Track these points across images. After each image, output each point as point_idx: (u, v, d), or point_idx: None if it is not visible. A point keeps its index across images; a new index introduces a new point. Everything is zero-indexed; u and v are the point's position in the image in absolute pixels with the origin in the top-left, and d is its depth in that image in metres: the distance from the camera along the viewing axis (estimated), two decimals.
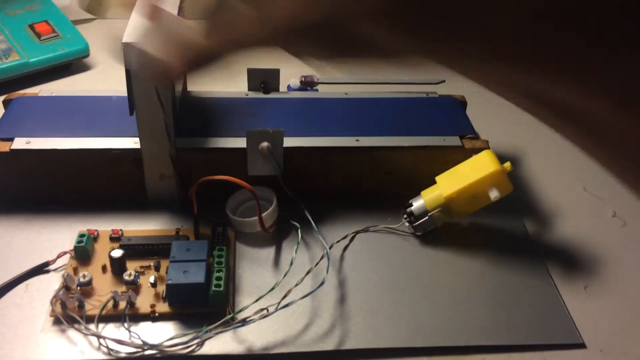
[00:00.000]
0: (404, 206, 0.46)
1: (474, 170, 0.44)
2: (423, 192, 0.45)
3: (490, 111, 0.60)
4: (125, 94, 0.47)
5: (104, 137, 0.44)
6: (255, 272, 0.42)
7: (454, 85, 0.56)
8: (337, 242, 0.44)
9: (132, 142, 0.44)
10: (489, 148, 0.46)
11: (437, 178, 0.45)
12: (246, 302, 0.38)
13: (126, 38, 0.39)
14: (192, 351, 0.36)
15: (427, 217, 0.45)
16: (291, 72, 0.57)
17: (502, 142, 0.54)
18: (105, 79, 0.64)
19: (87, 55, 0.64)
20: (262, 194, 0.44)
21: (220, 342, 0.36)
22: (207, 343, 0.36)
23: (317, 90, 0.55)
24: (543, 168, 0.54)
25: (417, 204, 0.45)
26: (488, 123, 0.53)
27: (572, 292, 0.42)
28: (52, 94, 0.49)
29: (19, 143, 0.43)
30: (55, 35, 0.63)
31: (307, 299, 0.38)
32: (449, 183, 0.44)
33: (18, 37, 0.62)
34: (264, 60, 0.70)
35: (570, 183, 0.53)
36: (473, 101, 0.54)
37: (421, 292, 0.41)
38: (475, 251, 0.45)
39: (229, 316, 0.37)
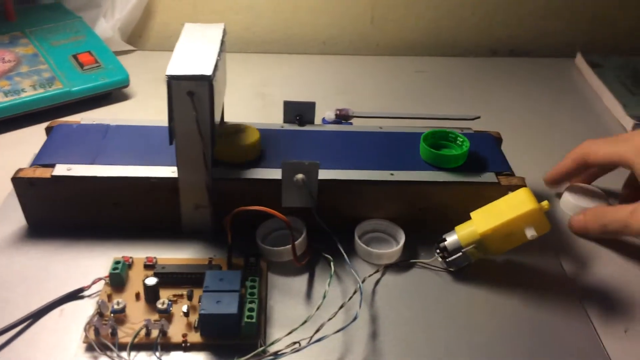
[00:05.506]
0: (436, 241, 0.45)
1: (510, 208, 0.43)
2: (457, 228, 0.45)
3: (525, 148, 0.60)
4: (163, 124, 0.49)
5: (142, 165, 0.45)
6: (287, 304, 0.41)
7: (489, 121, 0.56)
8: (370, 276, 0.44)
9: (169, 171, 0.45)
10: (525, 185, 0.46)
11: (472, 214, 0.45)
12: (277, 335, 0.38)
13: (170, 70, 0.40)
14: None
15: (460, 253, 0.44)
16: (326, 105, 0.58)
17: (537, 180, 0.54)
18: (144, 109, 0.65)
19: (127, 85, 0.66)
20: (293, 224, 0.44)
21: None
22: None
23: (351, 123, 0.55)
24: None
25: (450, 239, 0.45)
26: (523, 160, 0.52)
27: (612, 335, 0.41)
28: (94, 122, 0.50)
29: (60, 170, 0.44)
30: (98, 65, 0.65)
31: (338, 334, 0.38)
32: (484, 220, 0.44)
33: (62, 66, 0.64)
34: (300, 93, 0.71)
35: None
36: (508, 138, 0.53)
37: (456, 330, 0.40)
38: (510, 290, 0.44)
39: (260, 349, 0.36)
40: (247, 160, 0.46)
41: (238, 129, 0.48)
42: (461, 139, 0.49)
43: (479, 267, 0.45)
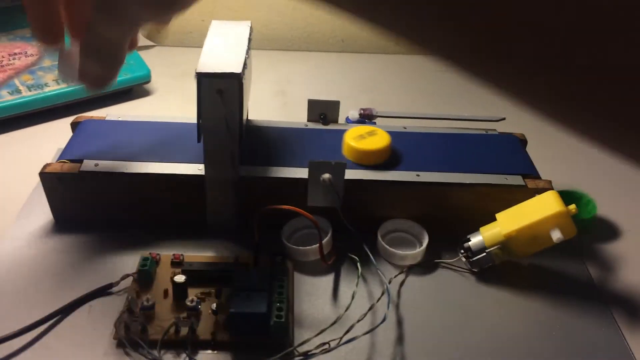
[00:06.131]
0: (461, 241, 0.45)
1: (536, 210, 0.43)
2: (482, 228, 0.45)
3: (550, 150, 0.60)
4: (189, 121, 0.49)
5: (169, 162, 0.45)
6: (314, 305, 0.41)
7: (514, 122, 0.56)
8: (395, 276, 0.44)
9: (196, 169, 0.45)
10: (552, 189, 0.46)
11: (498, 215, 0.45)
12: (305, 335, 0.38)
13: (200, 68, 0.40)
14: None
15: (484, 254, 0.44)
16: (348, 104, 0.58)
17: (562, 183, 0.53)
18: (165, 105, 0.65)
19: (148, 81, 0.66)
20: (319, 224, 0.44)
21: None
22: None
23: (375, 123, 0.55)
24: (604, 211, 0.53)
25: (475, 239, 0.45)
26: (548, 162, 0.52)
27: None
28: (119, 118, 0.50)
29: (88, 165, 0.44)
30: None
31: (366, 335, 0.38)
32: (510, 221, 0.44)
33: None
34: (321, 91, 0.70)
35: (634, 227, 0.51)
36: (533, 139, 0.53)
37: (482, 333, 0.40)
38: (535, 293, 0.44)
39: (290, 349, 0.36)
40: (377, 163, 0.47)
41: (371, 132, 0.48)
42: (587, 201, 0.50)
43: (504, 269, 0.45)
